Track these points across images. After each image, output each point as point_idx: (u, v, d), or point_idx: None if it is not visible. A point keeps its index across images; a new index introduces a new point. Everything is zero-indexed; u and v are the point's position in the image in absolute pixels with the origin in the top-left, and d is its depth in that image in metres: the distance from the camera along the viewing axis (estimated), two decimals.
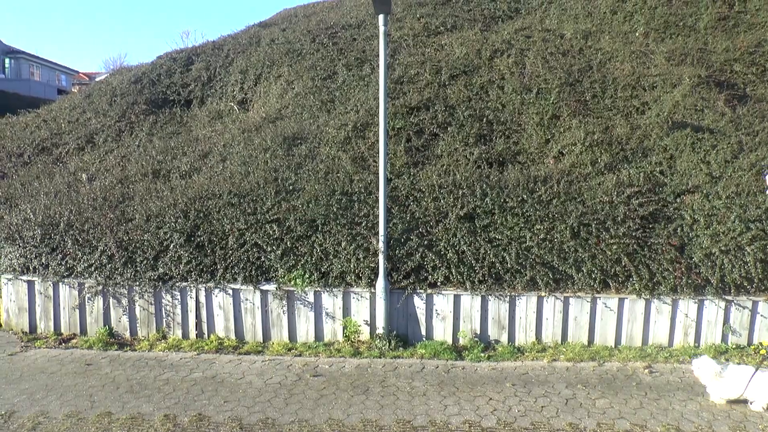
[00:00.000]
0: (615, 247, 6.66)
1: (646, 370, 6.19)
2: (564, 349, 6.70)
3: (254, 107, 11.30)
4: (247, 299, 7.02)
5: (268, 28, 13.97)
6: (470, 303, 6.85)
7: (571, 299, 6.77)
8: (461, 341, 6.88)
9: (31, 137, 11.69)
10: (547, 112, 8.66)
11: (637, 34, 10.25)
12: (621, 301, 6.74)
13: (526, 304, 6.80)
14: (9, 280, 7.56)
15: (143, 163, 9.34)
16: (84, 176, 9.26)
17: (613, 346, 6.79)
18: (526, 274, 6.74)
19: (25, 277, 7.51)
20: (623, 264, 6.65)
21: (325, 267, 6.92)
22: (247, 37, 13.55)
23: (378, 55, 10.69)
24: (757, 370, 5.33)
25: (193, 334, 7.13)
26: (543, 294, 6.76)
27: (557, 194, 7.08)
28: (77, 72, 62.94)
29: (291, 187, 7.62)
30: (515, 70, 9.59)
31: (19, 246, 7.50)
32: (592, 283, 6.69)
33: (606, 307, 6.75)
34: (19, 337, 7.37)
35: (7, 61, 50.93)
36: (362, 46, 11.60)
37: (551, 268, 6.74)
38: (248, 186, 7.67)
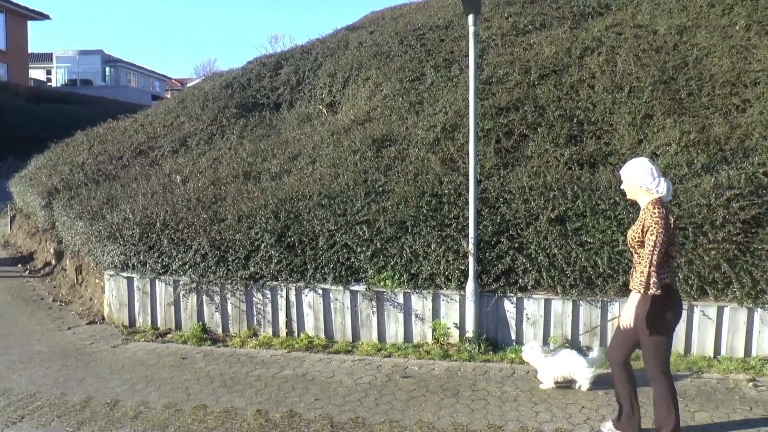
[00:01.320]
0: (713, 252, 6.37)
1: (750, 384, 5.89)
2: None
3: (343, 110, 11.43)
4: (336, 299, 7.11)
5: (356, 31, 14.11)
6: (561, 308, 6.72)
7: None
8: (552, 347, 6.75)
9: (130, 141, 12.22)
10: (640, 112, 8.39)
11: (737, 28, 9.79)
12: (720, 309, 6.44)
13: (619, 309, 6.60)
14: (111, 276, 7.91)
15: (234, 165, 9.61)
16: (178, 178, 9.60)
17: (712, 357, 6.51)
18: (618, 279, 6.54)
19: (125, 274, 7.85)
20: (723, 270, 6.36)
21: (415, 269, 6.93)
22: (335, 41, 13.74)
23: (466, 56, 10.62)
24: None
25: (283, 332, 7.28)
26: None
27: None
28: (170, 78, 65.52)
29: (380, 189, 7.67)
30: (606, 68, 9.34)
31: (120, 244, 7.84)
32: (688, 290, 6.41)
33: (704, 315, 6.48)
34: (120, 330, 7.70)
35: (107, 69, 53.50)
36: (450, 47, 11.57)
37: None
38: (338, 187, 7.77)
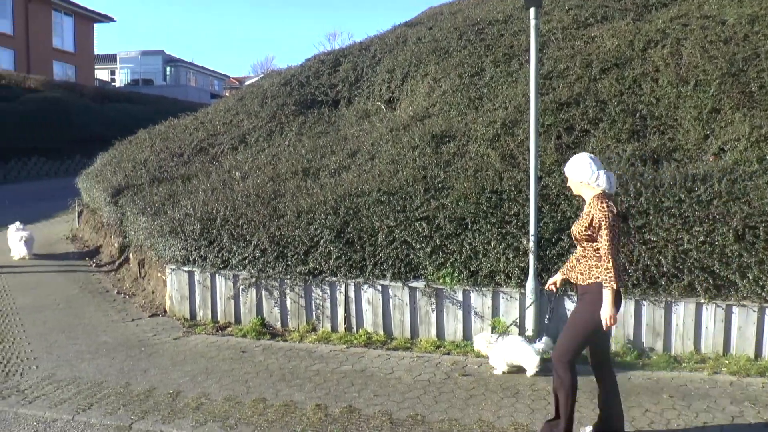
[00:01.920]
0: None
1: None
2: (726, 362, 6.21)
3: (401, 106, 11.41)
4: (395, 296, 7.09)
5: (414, 27, 14.07)
6: (623, 307, 6.55)
7: (734, 308, 6.28)
8: (614, 347, 6.57)
9: (190, 138, 12.45)
10: (706, 106, 8.11)
11: None
12: None
13: (684, 311, 6.39)
14: (173, 270, 8.06)
15: (293, 161, 9.68)
16: (238, 174, 9.73)
17: None
18: (683, 279, 6.32)
19: (186, 268, 7.98)
20: None
21: (474, 266, 6.85)
22: (393, 37, 13.73)
23: (526, 50, 10.48)
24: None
25: (342, 327, 7.29)
26: (702, 301, 6.32)
27: (718, 194, 6.59)
28: (228, 77, 66.61)
29: (440, 185, 7.61)
30: (671, 61, 9.07)
31: (181, 239, 7.98)
32: (759, 291, 6.16)
33: None
34: (181, 323, 7.84)
35: (168, 69, 54.79)
36: (510, 41, 11.42)
37: (711, 274, 6.28)
38: (397, 184, 7.74)
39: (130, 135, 14.77)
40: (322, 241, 7.32)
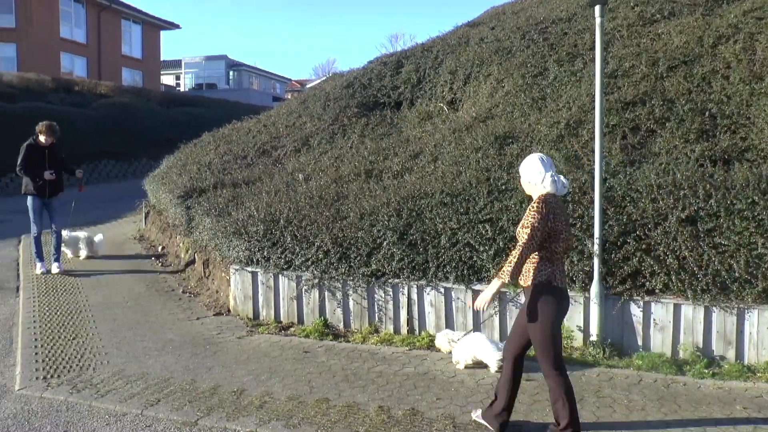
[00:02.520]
0: None
1: None
2: None
3: (464, 107, 11.34)
4: (458, 298, 7.03)
5: (477, 27, 13.98)
6: (692, 313, 6.33)
7: None
8: (681, 354, 6.39)
9: (253, 141, 12.64)
10: None
11: None
12: None
13: (758, 318, 6.14)
14: (236, 270, 8.17)
15: (356, 163, 9.72)
16: (301, 176, 9.82)
17: None
18: (757, 285, 6.08)
19: (249, 269, 8.08)
20: None
21: None
22: (455, 38, 13.66)
23: (590, 49, 10.30)
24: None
25: (404, 329, 7.27)
26: None
27: None
28: (290, 80, 67.48)
29: (503, 187, 7.53)
30: (743, 57, 8.75)
31: (245, 240, 8.08)
32: None
33: None
34: (245, 322, 7.94)
35: (231, 73, 55.91)
36: (573, 40, 11.24)
37: None
38: (460, 185, 7.69)
39: (195, 138, 15.08)
40: (385, 243, 7.31)
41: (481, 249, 6.94)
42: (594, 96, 7.20)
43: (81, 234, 11.38)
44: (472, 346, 6.25)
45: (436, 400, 5.50)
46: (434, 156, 9.10)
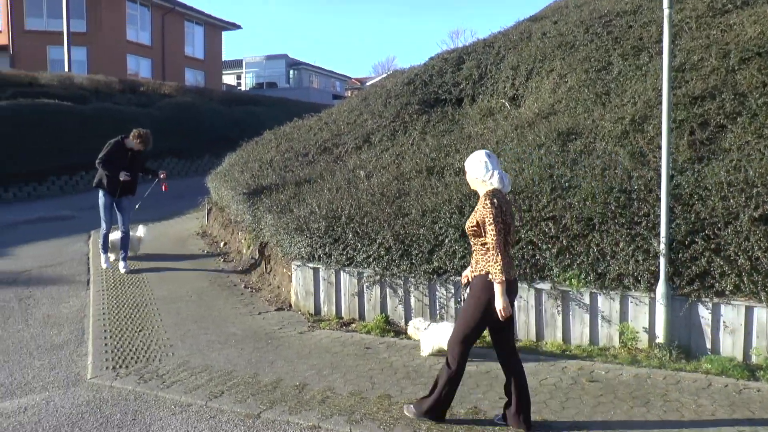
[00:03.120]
0: None
1: None
2: None
3: (526, 103, 11.19)
4: (521, 297, 6.92)
5: (539, 22, 13.77)
6: (765, 316, 6.09)
7: None
8: (754, 359, 6.16)
9: (315, 138, 12.72)
10: None
11: None
12: None
13: None
14: (298, 266, 8.24)
15: (417, 160, 9.68)
16: (362, 173, 9.84)
17: None
18: None
19: (311, 265, 8.14)
20: None
21: (602, 268, 6.59)
22: (517, 33, 13.48)
23: (656, 42, 10.05)
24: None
25: None
26: None
27: None
28: (350, 78, 67.77)
29: (566, 184, 7.39)
30: None
31: (307, 236, 8.15)
32: None
33: None
34: (306, 317, 8.02)
35: (291, 72, 56.55)
36: (639, 33, 10.96)
37: None
38: (522, 183, 7.59)
39: (256, 136, 15.26)
40: (446, 240, 7.26)
41: (544, 247, 6.84)
42: (660, 90, 7.01)
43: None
44: (437, 335, 6.39)
45: (498, 399, 5.42)
46: (496, 153, 8.97)
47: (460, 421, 5.07)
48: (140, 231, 11.38)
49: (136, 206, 11.22)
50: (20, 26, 34.13)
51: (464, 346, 4.84)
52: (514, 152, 8.68)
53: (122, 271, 10.23)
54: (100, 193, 10.14)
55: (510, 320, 4.77)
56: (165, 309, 8.37)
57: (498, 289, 4.57)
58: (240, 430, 5.04)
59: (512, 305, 4.73)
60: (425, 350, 6.57)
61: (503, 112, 11.25)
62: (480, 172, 4.78)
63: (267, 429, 5.04)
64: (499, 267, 4.53)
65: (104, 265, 10.43)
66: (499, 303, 4.58)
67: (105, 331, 7.51)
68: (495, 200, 4.59)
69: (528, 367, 6.06)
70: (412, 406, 5.11)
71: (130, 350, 6.90)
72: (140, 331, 7.53)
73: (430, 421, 4.99)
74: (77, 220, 15.26)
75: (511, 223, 4.75)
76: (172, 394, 5.71)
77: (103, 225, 10.26)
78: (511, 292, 4.70)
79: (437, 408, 4.93)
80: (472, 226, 4.72)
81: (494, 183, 4.73)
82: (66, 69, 29.72)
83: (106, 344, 7.07)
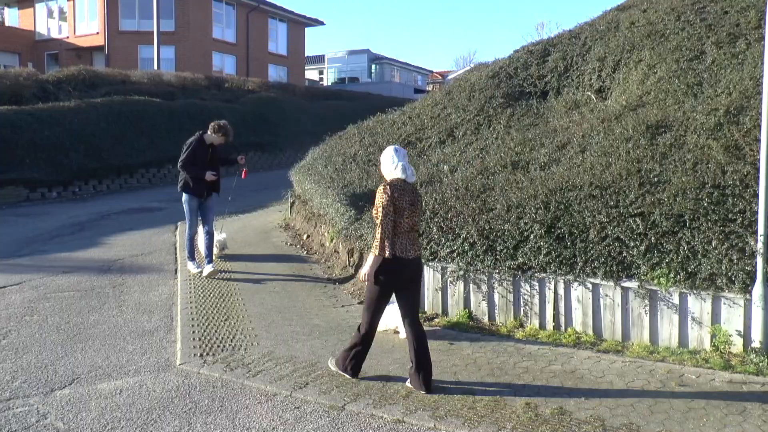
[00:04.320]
0: None
1: None
2: None
3: (613, 95, 10.89)
4: (606, 295, 6.76)
5: (627, 11, 13.35)
6: None
7: None
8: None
9: (398, 132, 12.73)
10: None
11: None
12: None
13: None
14: None
15: (502, 154, 9.56)
16: (446, 167, 9.79)
17: None
18: None
19: None
20: None
21: (692, 267, 6.34)
22: (604, 23, 13.11)
23: (755, 28, 9.64)
24: None
25: (550, 325, 7.09)
26: None
27: None
28: (431, 72, 67.61)
29: (655, 179, 7.16)
30: None
31: None
32: None
33: None
34: None
35: (373, 67, 56.95)
36: (735, 19, 10.48)
37: None
38: (609, 177, 7.38)
39: (338, 130, 15.39)
40: (531, 236, 7.15)
41: (632, 244, 6.64)
42: (759, 79, 6.69)
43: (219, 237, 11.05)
44: (388, 316, 6.66)
45: (584, 400, 5.32)
46: (582, 146, 8.79)
47: (374, 378, 5.89)
48: (222, 234, 11.03)
49: (229, 198, 11.41)
50: (114, 28, 35.74)
51: (370, 313, 5.67)
52: (600, 146, 8.46)
53: (207, 271, 9.65)
54: (185, 197, 9.69)
55: (412, 292, 5.68)
56: (250, 299, 8.57)
57: (370, 260, 5.47)
58: (325, 421, 5.11)
59: (408, 281, 5.63)
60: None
61: (589, 104, 10.98)
62: (387, 165, 5.63)
63: (351, 421, 5.09)
64: (376, 243, 5.39)
65: (195, 271, 9.81)
66: (364, 269, 5.51)
67: (192, 319, 7.75)
68: (388, 188, 5.40)
69: (613, 368, 5.96)
70: (334, 360, 6.04)
71: (217, 338, 7.10)
72: (226, 320, 7.73)
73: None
74: (165, 212, 15.84)
75: (407, 208, 5.45)
76: (257, 383, 5.84)
77: (189, 228, 9.83)
78: (405, 269, 5.53)
79: (347, 362, 5.84)
80: (374, 212, 5.53)
81: (398, 173, 5.55)
82: (155, 67, 30.86)
83: (193, 332, 7.30)
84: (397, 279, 5.56)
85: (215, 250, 10.50)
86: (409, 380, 5.65)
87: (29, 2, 39.26)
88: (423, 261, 7.84)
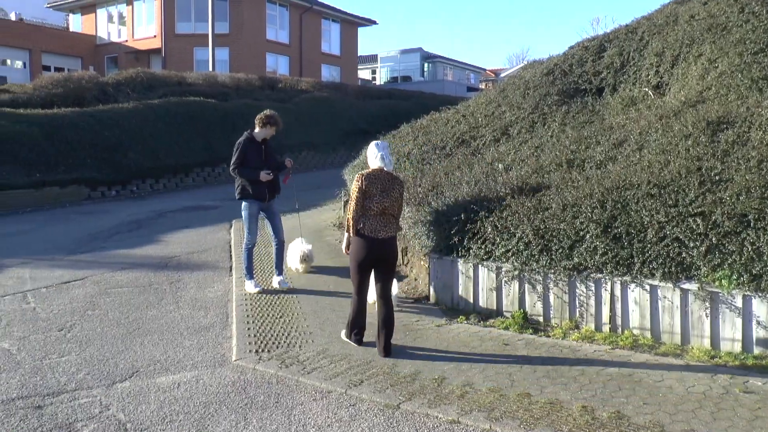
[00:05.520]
0: None
1: None
2: None
3: (671, 91, 10.63)
4: (665, 297, 6.59)
5: (686, 4, 12.99)
6: None
7: None
8: None
9: (452, 131, 12.67)
10: None
11: None
12: None
13: None
14: (436, 259, 8.24)
15: (557, 152, 9.41)
16: (500, 166, 9.69)
17: None
18: None
19: (449, 258, 8.11)
20: None
21: (758, 269, 6.09)
22: (662, 17, 12.80)
23: None
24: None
25: (606, 327, 6.95)
26: None
27: None
28: (484, 69, 67.25)
29: (717, 178, 6.95)
30: None
31: (445, 229, 8.12)
32: None
33: None
34: (443, 311, 8.00)
35: (425, 65, 56.98)
36: None
37: None
38: (668, 176, 7.19)
39: (391, 129, 15.39)
40: (587, 236, 7.00)
41: (691, 245, 6.44)
42: None
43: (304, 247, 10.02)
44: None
45: (642, 404, 5.19)
46: (639, 144, 8.60)
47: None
48: (306, 244, 10.04)
49: (296, 206, 11.06)
50: (171, 31, 36.61)
51: (355, 284, 6.58)
52: (658, 143, 8.27)
53: (277, 286, 9.03)
54: (244, 204, 8.84)
55: (382, 272, 6.57)
56: (304, 297, 8.63)
57: (344, 237, 6.72)
58: (380, 419, 5.12)
59: (379, 260, 6.50)
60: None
61: (646, 101, 10.74)
62: (370, 156, 6.64)
63: (406, 420, 5.09)
64: (348, 223, 6.49)
65: (254, 291, 8.82)
66: (343, 244, 6.77)
67: (247, 316, 7.85)
68: (360, 178, 6.40)
69: (673, 374, 5.79)
70: (344, 331, 6.91)
71: (271, 335, 7.17)
72: (280, 317, 7.80)
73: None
74: (220, 210, 16.13)
75: (377, 194, 6.37)
76: (312, 380, 5.88)
77: (248, 237, 8.91)
78: (374, 247, 6.40)
79: (351, 330, 6.76)
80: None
81: (378, 163, 6.51)
82: (210, 68, 31.48)
83: (248, 328, 7.39)
84: (367, 256, 6.39)
85: (299, 264, 9.78)
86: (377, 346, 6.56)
87: (91, 8, 40.51)
88: (477, 261, 7.81)
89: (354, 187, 6.41)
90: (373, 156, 6.57)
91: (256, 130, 8.81)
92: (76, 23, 42.47)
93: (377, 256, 6.44)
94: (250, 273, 8.97)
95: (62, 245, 12.19)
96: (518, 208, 7.70)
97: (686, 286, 6.45)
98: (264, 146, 8.84)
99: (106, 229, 13.92)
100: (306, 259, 9.82)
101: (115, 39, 39.63)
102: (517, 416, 5.03)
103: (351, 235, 6.47)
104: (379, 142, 6.72)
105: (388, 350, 6.42)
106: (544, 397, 5.38)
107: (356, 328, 6.67)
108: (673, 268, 6.51)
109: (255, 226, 8.91)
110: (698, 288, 6.34)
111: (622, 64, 12.15)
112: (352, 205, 6.38)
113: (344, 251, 6.68)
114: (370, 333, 6.80)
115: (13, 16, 40.61)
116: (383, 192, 6.39)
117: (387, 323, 6.45)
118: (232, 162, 8.74)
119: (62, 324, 7.64)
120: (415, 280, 9.09)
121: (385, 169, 6.52)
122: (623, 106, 10.91)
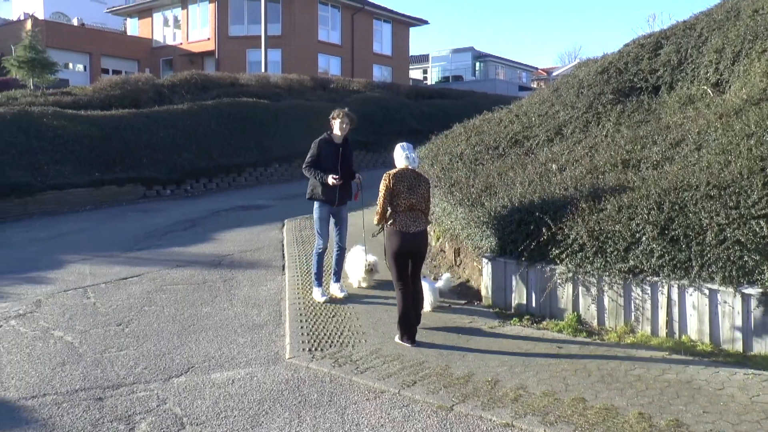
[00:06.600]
0: None
1: None
2: None
3: (732, 89, 10.30)
4: (725, 302, 6.40)
5: None
6: None
7: None
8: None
9: (505, 131, 12.54)
10: None
11: None
12: None
13: None
14: (489, 260, 8.18)
15: (611, 153, 9.23)
16: (554, 166, 9.56)
17: None
18: None
19: (502, 259, 8.05)
20: None
21: None
22: (723, 12, 12.39)
23: None
24: None
25: (663, 332, 6.79)
26: None
27: None
28: (536, 68, 66.57)
29: None
30: None
31: (498, 230, 8.08)
32: None
33: None
34: (496, 312, 7.95)
35: (477, 64, 56.79)
36: None
37: None
38: (729, 177, 6.98)
39: (443, 128, 15.31)
40: (644, 238, 6.86)
41: (753, 248, 6.23)
42: None
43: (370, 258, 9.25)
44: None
45: (702, 413, 5.06)
46: (698, 144, 8.38)
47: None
48: (371, 255, 9.21)
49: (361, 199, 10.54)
50: (224, 33, 37.28)
51: (393, 274, 6.94)
52: (718, 143, 8.04)
53: (338, 294, 8.64)
54: (316, 205, 8.49)
55: (414, 264, 6.99)
56: (355, 296, 8.67)
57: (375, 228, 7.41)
58: (433, 420, 5.12)
59: (404, 248, 6.85)
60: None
61: (705, 99, 10.44)
62: (397, 156, 7.12)
63: (459, 422, 5.08)
64: (376, 217, 7.07)
65: (321, 300, 8.50)
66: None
67: (300, 314, 7.93)
68: (388, 175, 6.90)
69: (734, 380, 5.64)
70: (397, 334, 6.96)
71: (325, 334, 7.24)
72: (333, 316, 7.86)
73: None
74: (272, 209, 16.32)
75: (404, 191, 6.81)
76: (365, 380, 5.93)
77: (319, 241, 8.54)
78: (406, 240, 6.83)
79: (401, 329, 6.90)
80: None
81: (404, 162, 7.01)
82: (263, 70, 31.89)
83: (302, 327, 7.48)
84: (401, 248, 6.80)
85: (363, 275, 9.13)
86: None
87: (148, 12, 41.55)
88: (531, 262, 7.72)
89: (381, 185, 6.86)
90: (400, 156, 7.05)
91: (334, 130, 8.40)
92: (134, 27, 43.65)
93: (410, 249, 6.88)
94: (318, 280, 8.58)
95: (120, 242, 12.56)
96: (572, 210, 7.57)
97: (748, 291, 6.25)
98: (342, 149, 8.41)
99: (162, 227, 14.28)
100: (372, 270, 9.09)
101: (170, 42, 40.53)
102: (572, 421, 4.97)
103: (377, 225, 7.18)
104: (404, 143, 7.22)
105: (414, 337, 6.89)
106: (599, 402, 5.30)
107: (403, 326, 6.86)
108: (734, 272, 6.31)
109: (326, 230, 8.54)
110: (761, 293, 6.15)
111: (680, 61, 11.82)
112: (379, 201, 6.91)
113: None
114: (422, 334, 6.82)
115: (75, 22, 41.95)
116: (410, 189, 6.85)
117: (418, 308, 7.08)
118: (305, 161, 8.38)
119: (120, 319, 7.87)
120: (468, 281, 9.04)
121: (410, 167, 7.01)
122: (680, 104, 10.61)
